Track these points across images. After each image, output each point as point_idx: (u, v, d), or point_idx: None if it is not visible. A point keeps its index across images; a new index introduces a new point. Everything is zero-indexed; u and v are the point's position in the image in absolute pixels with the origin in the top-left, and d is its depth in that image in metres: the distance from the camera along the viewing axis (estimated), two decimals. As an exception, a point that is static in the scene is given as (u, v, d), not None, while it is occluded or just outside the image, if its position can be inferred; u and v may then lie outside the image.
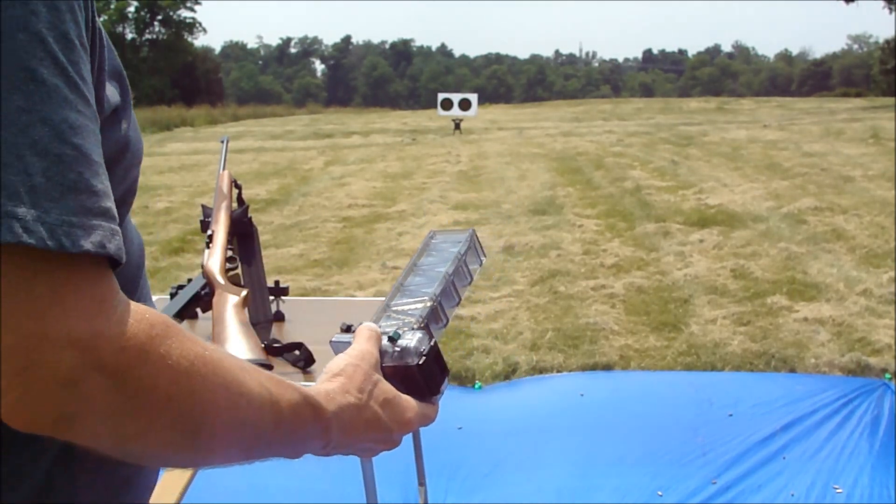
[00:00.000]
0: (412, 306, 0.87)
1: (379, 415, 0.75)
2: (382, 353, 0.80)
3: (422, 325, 0.83)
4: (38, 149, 0.52)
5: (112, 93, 0.65)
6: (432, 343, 0.81)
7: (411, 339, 0.81)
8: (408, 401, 0.79)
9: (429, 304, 0.86)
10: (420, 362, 0.79)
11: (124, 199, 0.70)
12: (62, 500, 0.66)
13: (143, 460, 0.60)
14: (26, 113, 0.52)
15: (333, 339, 0.84)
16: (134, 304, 0.57)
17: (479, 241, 0.96)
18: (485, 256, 0.96)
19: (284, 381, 0.69)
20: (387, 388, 0.77)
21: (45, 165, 0.52)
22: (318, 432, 0.70)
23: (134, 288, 0.73)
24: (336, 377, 0.74)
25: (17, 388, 0.51)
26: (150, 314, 0.57)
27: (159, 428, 0.56)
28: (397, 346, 0.81)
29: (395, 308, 0.87)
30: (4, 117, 0.51)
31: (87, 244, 0.53)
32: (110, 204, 0.56)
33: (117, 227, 0.56)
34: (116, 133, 0.66)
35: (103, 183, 0.56)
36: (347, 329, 0.84)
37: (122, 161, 0.67)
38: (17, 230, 0.50)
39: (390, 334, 0.82)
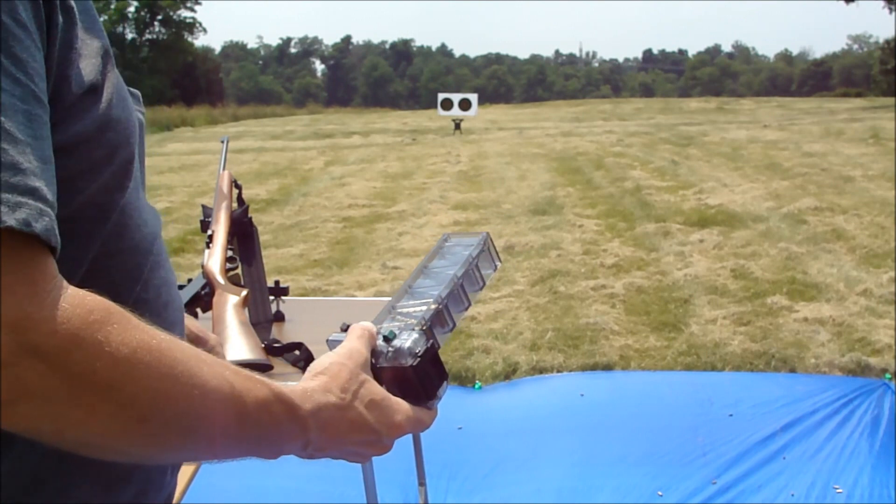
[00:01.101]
0: (417, 308, 0.84)
1: (364, 416, 0.73)
2: (377, 353, 0.78)
3: (423, 326, 0.81)
4: None
5: (89, 70, 0.63)
6: (429, 345, 0.79)
7: (406, 340, 0.79)
8: (398, 403, 0.76)
9: (433, 306, 0.84)
10: (414, 364, 0.77)
11: (120, 184, 0.67)
12: (52, 497, 0.65)
13: (91, 450, 0.59)
14: None
15: (330, 338, 0.82)
16: (74, 290, 0.55)
17: (493, 246, 0.93)
18: (500, 262, 0.93)
19: (255, 377, 0.67)
20: (374, 390, 0.75)
21: None
22: (294, 431, 0.68)
23: (138, 275, 0.70)
24: (319, 375, 0.73)
25: None
26: (90, 299, 0.56)
27: (101, 416, 0.55)
28: (392, 347, 0.78)
29: (400, 310, 0.85)
30: None
31: (11, 220, 0.51)
32: (40, 184, 0.54)
33: (48, 209, 0.54)
34: (93, 111, 0.64)
35: (32, 162, 0.54)
36: (346, 329, 0.82)
37: (103, 140, 0.65)
38: None
39: (385, 334, 0.79)
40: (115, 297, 0.65)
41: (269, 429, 0.67)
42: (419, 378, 0.78)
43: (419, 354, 0.78)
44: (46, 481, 0.65)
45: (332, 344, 0.81)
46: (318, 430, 0.70)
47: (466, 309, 0.89)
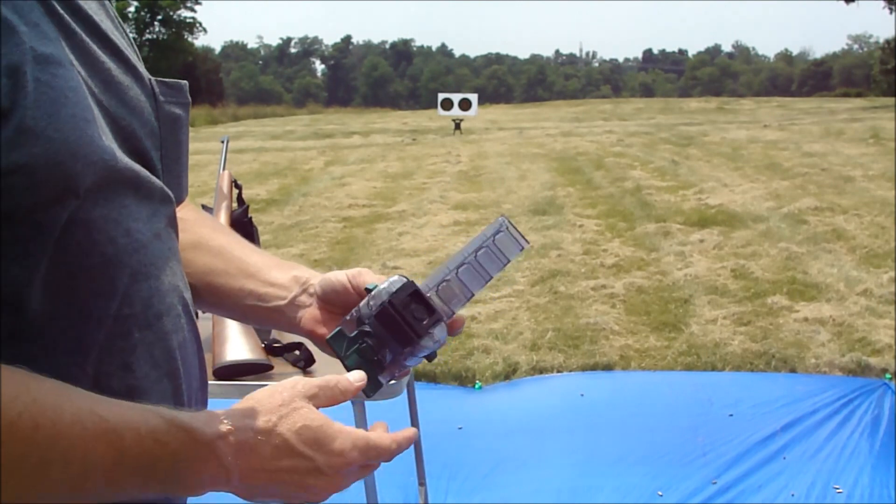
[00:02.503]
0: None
1: (289, 440, 0.69)
2: (363, 317, 0.80)
3: (429, 291, 0.82)
4: None
5: None
6: (405, 282, 0.80)
7: (383, 284, 0.80)
8: (342, 430, 0.72)
9: (441, 275, 0.84)
10: (389, 299, 0.78)
11: (55, 198, 0.61)
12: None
13: None
14: None
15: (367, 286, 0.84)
16: None
17: (513, 227, 0.91)
18: (527, 242, 0.91)
19: (145, 408, 0.64)
20: (311, 416, 0.71)
21: None
22: (201, 458, 0.65)
23: (112, 290, 0.66)
24: (246, 401, 0.71)
25: None
26: None
27: None
28: (372, 298, 0.80)
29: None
30: None
31: None
32: None
33: None
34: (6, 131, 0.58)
35: None
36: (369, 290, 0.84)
37: (12, 158, 0.58)
38: None
39: (368, 287, 0.82)
40: (85, 316, 0.63)
41: (162, 460, 0.63)
42: (399, 314, 0.79)
43: (394, 291, 0.79)
44: None
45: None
46: (234, 456, 0.67)
47: (485, 283, 0.88)
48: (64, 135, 0.61)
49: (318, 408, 0.73)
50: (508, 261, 0.88)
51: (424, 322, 0.80)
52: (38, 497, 0.58)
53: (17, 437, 0.55)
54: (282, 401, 0.71)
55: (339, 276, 0.89)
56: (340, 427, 0.72)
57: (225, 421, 0.67)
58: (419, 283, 0.87)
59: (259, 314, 0.92)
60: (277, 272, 0.92)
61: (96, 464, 0.59)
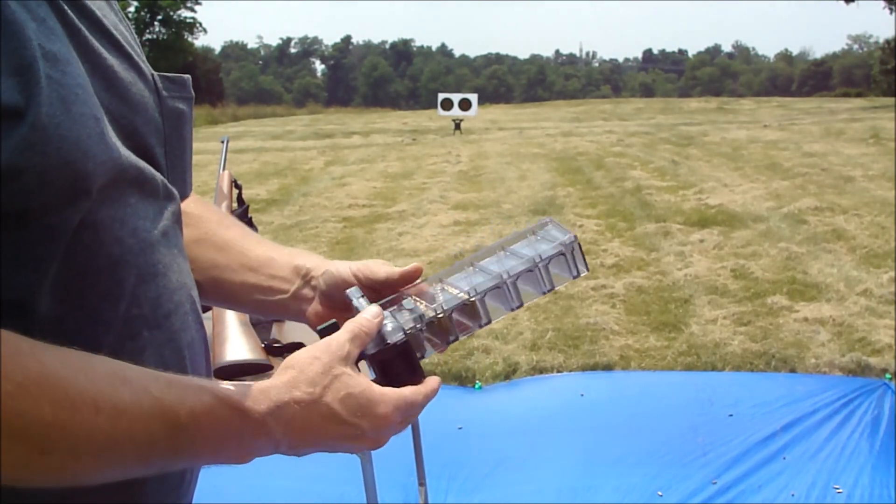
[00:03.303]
0: (455, 290, 0.82)
1: (336, 410, 0.71)
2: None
3: (414, 325, 0.80)
4: None
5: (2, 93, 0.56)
6: (404, 339, 0.79)
7: (386, 327, 0.79)
8: (383, 395, 0.73)
9: (461, 296, 0.81)
10: (373, 352, 0.77)
11: (68, 199, 0.60)
12: (59, 498, 0.63)
13: (5, 481, 0.56)
14: None
15: (348, 291, 0.83)
16: None
17: (580, 251, 0.82)
18: (587, 269, 0.82)
19: (196, 386, 0.65)
20: (352, 382, 0.72)
21: None
22: (252, 433, 0.67)
23: (120, 292, 0.66)
24: (288, 370, 0.72)
25: None
26: None
27: None
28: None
29: (447, 282, 0.84)
30: None
31: None
32: None
33: None
34: (12, 135, 0.56)
35: None
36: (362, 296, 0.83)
37: (29, 159, 0.57)
38: None
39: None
40: (93, 319, 0.63)
41: (215, 435, 0.65)
42: (380, 367, 0.78)
43: (389, 344, 0.78)
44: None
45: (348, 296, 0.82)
46: (283, 428, 0.68)
47: (516, 308, 0.82)
48: (75, 133, 0.60)
49: (355, 362, 0.76)
50: (553, 289, 0.81)
51: (403, 379, 0.79)
52: (107, 472, 0.61)
53: (81, 421, 0.57)
54: (322, 368, 0.72)
55: (343, 272, 0.88)
56: (381, 391, 0.74)
57: (272, 396, 0.69)
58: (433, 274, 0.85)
59: (266, 307, 0.93)
60: (279, 264, 0.92)
61: (157, 440, 0.61)
